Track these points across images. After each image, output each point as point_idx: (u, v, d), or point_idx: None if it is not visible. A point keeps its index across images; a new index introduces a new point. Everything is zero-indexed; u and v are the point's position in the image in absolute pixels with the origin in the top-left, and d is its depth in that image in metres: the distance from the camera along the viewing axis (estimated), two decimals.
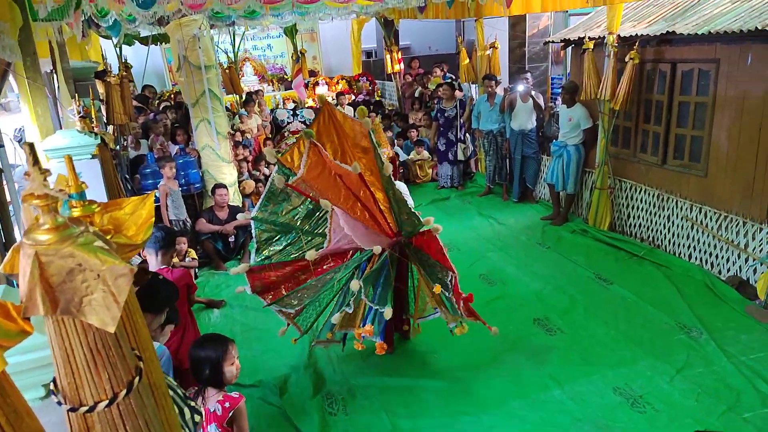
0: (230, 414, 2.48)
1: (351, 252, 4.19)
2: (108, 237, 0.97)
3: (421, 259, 4.07)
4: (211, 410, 2.50)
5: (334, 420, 3.86)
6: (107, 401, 0.89)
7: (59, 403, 0.90)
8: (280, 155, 3.77)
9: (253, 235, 4.23)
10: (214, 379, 2.53)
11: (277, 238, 4.24)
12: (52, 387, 0.91)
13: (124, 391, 0.90)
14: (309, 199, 4.01)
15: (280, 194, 4.01)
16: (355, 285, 3.58)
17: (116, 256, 0.83)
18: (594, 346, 4.43)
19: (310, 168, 3.49)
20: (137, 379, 0.93)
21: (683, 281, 5.36)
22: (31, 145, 0.79)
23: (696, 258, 5.62)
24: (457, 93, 8.65)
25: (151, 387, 1.08)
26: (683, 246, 5.76)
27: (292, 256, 4.24)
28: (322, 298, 4.29)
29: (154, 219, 1.02)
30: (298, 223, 4.18)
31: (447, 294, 3.83)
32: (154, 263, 3.60)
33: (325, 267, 4.27)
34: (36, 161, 0.79)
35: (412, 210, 3.95)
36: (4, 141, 2.62)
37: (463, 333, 4.05)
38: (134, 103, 9.48)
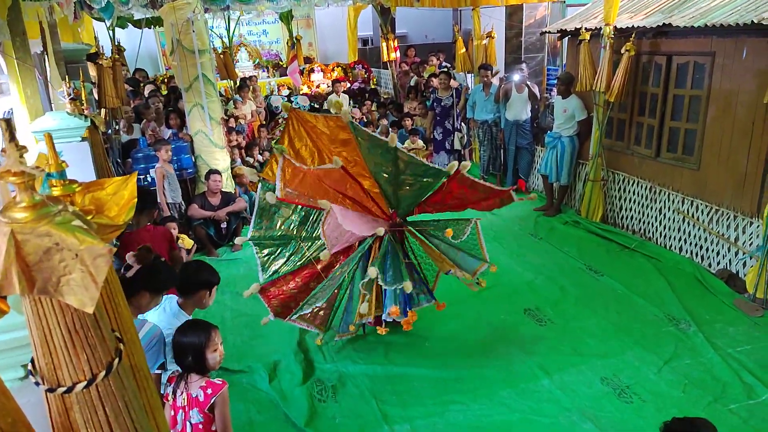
0: (212, 400, 2.47)
1: (356, 245, 4.23)
2: (89, 217, 0.96)
3: (425, 230, 4.22)
4: (194, 395, 2.48)
5: (323, 407, 3.87)
6: (85, 382, 0.88)
7: (37, 384, 0.89)
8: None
9: (255, 254, 4.29)
10: (197, 365, 2.51)
11: (278, 251, 4.30)
12: (30, 367, 0.90)
13: (103, 373, 0.89)
14: (300, 206, 4.08)
15: (270, 208, 4.11)
16: (372, 272, 3.67)
17: (95, 235, 0.81)
18: (583, 337, 4.45)
19: (290, 178, 3.52)
20: (117, 360, 0.92)
21: (673, 274, 5.38)
22: (8, 121, 0.78)
23: (687, 251, 5.64)
24: (452, 82, 8.61)
25: (132, 369, 1.07)
26: (674, 239, 5.78)
27: (298, 264, 4.31)
28: (337, 294, 4.40)
29: (136, 200, 1.01)
30: (295, 232, 4.28)
31: (461, 239, 4.10)
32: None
33: (334, 265, 4.33)
34: (12, 137, 0.77)
35: (427, 169, 3.93)
36: None
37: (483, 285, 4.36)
38: (127, 87, 9.40)
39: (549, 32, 7.66)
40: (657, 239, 6.01)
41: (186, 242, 5.87)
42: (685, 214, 5.59)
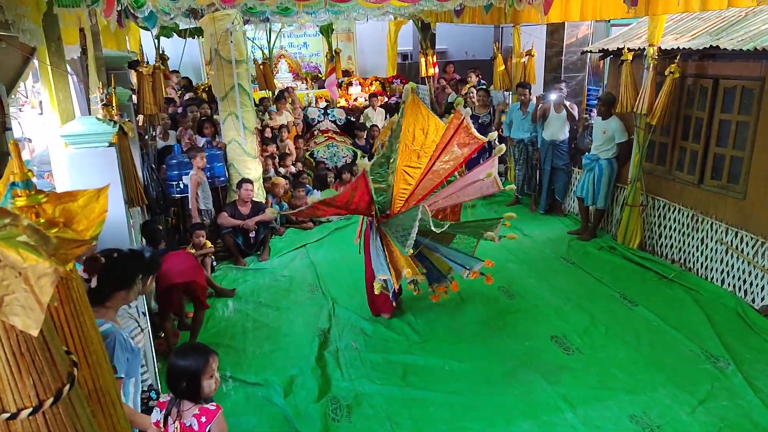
0: (207, 428, 2.34)
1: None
2: (53, 230, 0.90)
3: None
4: (187, 425, 2.35)
5: (336, 426, 3.78)
6: (31, 409, 0.82)
7: None
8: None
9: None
10: (191, 392, 2.38)
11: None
12: None
13: (51, 399, 0.83)
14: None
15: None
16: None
17: (41, 253, 0.75)
18: (612, 369, 4.24)
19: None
20: (68, 386, 0.85)
21: (713, 307, 5.11)
22: None
23: (729, 284, 5.35)
24: (475, 100, 8.54)
25: (97, 393, 1.00)
26: (716, 270, 5.50)
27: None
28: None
29: (106, 215, 0.95)
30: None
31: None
32: None
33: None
34: None
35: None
36: (12, 124, 2.63)
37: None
38: (172, 93, 9.62)
39: (591, 51, 7.48)
40: (697, 270, 5.73)
41: (206, 244, 5.91)
42: (729, 245, 5.31)
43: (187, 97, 9.38)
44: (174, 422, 2.35)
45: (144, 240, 4.29)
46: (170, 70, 10.73)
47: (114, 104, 3.78)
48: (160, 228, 5.13)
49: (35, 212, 0.92)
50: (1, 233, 0.74)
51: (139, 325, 2.90)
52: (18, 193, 0.90)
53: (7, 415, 0.82)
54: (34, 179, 0.92)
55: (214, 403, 2.44)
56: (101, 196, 0.96)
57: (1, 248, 0.72)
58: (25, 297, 0.74)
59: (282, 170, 8.18)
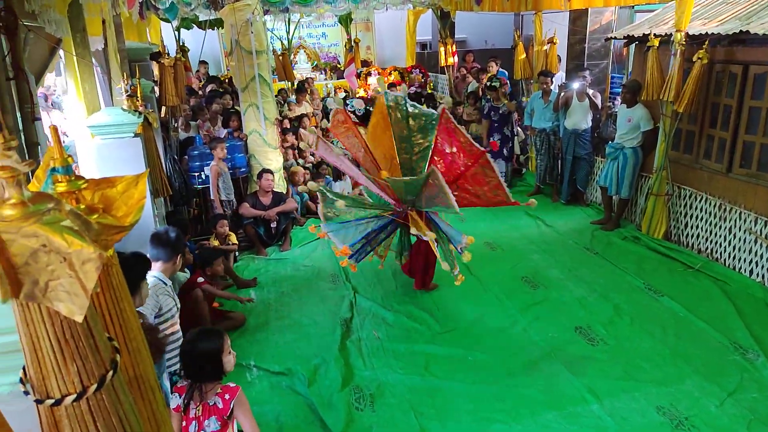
0: (231, 405, 2.40)
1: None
2: (94, 216, 0.90)
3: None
4: (211, 404, 2.41)
5: (360, 415, 3.78)
6: (75, 395, 0.82)
7: (26, 393, 0.84)
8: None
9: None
10: (215, 372, 2.44)
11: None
12: (21, 375, 0.85)
13: (94, 386, 0.83)
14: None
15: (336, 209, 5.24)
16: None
17: (85, 238, 0.75)
18: (638, 361, 4.18)
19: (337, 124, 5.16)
20: (111, 373, 0.85)
21: (742, 298, 5.01)
22: None
23: (758, 274, 5.24)
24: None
25: (137, 380, 1.00)
26: (744, 261, 5.39)
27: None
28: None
29: (145, 201, 0.95)
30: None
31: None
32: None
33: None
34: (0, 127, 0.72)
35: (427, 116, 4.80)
36: (41, 114, 2.66)
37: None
38: (196, 83, 9.66)
39: (615, 38, 7.34)
40: (725, 260, 5.62)
41: (231, 238, 5.95)
42: (758, 234, 5.19)
43: (209, 88, 9.41)
44: (196, 405, 2.40)
45: (151, 250, 4.26)
46: (199, 60, 10.80)
47: (139, 95, 3.80)
48: (186, 218, 5.17)
49: (75, 198, 0.91)
50: (45, 218, 0.73)
51: (176, 304, 2.94)
52: (59, 178, 0.90)
53: (51, 401, 0.82)
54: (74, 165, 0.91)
55: (232, 382, 2.50)
56: (140, 182, 0.95)
57: (46, 233, 0.72)
58: (70, 282, 0.74)
59: (301, 161, 8.19)
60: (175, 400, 2.46)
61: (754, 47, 5.17)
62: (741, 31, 5.07)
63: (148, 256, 2.82)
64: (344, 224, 5.21)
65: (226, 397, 2.40)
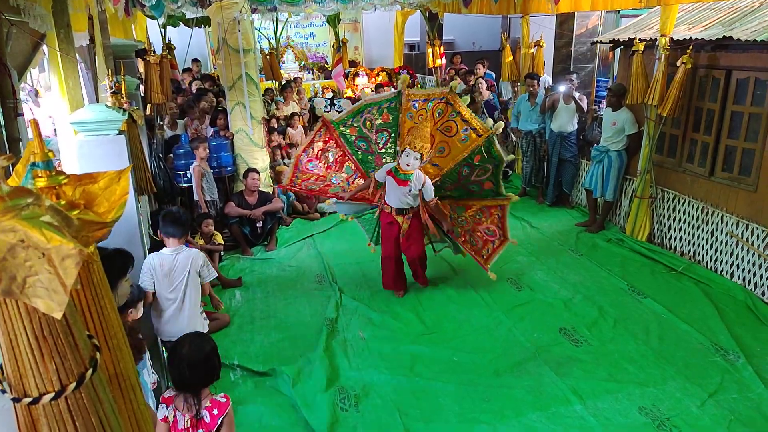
0: (219, 421, 2.31)
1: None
2: (75, 212, 0.88)
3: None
4: (197, 418, 2.32)
5: (344, 416, 3.77)
6: (53, 394, 0.81)
7: (2, 392, 0.82)
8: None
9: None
10: (210, 375, 2.38)
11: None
12: None
13: (73, 384, 0.82)
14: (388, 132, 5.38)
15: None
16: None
17: (65, 234, 0.73)
18: (621, 362, 4.22)
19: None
20: (90, 371, 0.84)
21: (723, 300, 5.08)
22: None
23: (738, 277, 5.32)
24: (485, 93, 8.51)
25: (117, 378, 0.99)
26: (726, 263, 5.46)
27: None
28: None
29: (127, 197, 0.93)
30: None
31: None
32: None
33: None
34: None
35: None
36: (24, 110, 2.61)
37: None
38: (184, 78, 9.56)
39: (601, 42, 7.41)
40: (707, 263, 5.69)
41: (218, 238, 5.91)
42: (739, 237, 5.27)
43: (194, 86, 9.33)
44: (184, 416, 2.33)
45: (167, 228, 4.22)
46: (192, 59, 10.72)
47: (123, 92, 3.75)
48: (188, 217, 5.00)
49: (56, 194, 0.90)
50: (24, 213, 0.72)
51: None
52: (39, 173, 0.88)
53: (29, 399, 0.81)
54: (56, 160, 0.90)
55: (223, 394, 2.42)
56: (122, 178, 0.94)
57: (24, 228, 0.71)
58: (49, 279, 0.72)
59: (288, 161, 8.15)
60: (162, 411, 2.39)
61: (737, 53, 5.24)
62: (724, 36, 5.14)
63: (157, 234, 2.88)
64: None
65: (215, 412, 2.31)
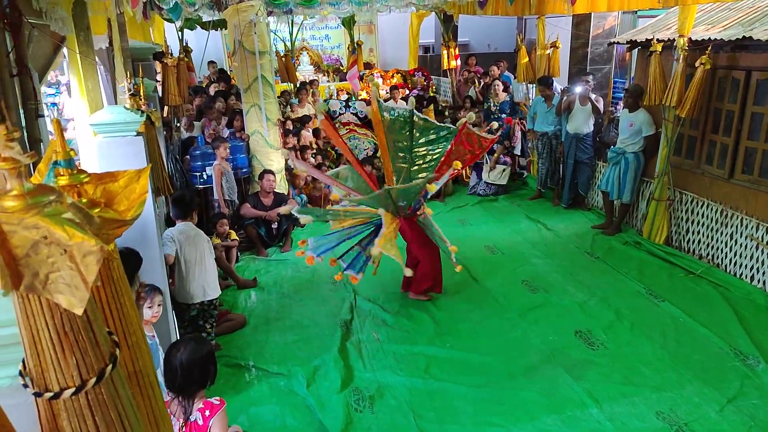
0: (210, 422, 2.31)
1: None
2: (95, 210, 0.90)
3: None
4: (192, 419, 2.32)
5: (359, 417, 3.77)
6: (74, 389, 0.82)
7: (25, 386, 0.84)
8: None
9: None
10: (205, 377, 2.38)
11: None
12: (21, 368, 0.85)
13: (93, 380, 0.83)
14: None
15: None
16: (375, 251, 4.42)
17: (87, 231, 0.75)
18: (638, 366, 4.17)
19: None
20: (110, 367, 0.85)
21: (742, 304, 5.00)
22: None
23: (759, 281, 5.23)
24: (501, 94, 8.47)
25: (136, 375, 1.00)
26: (746, 267, 5.38)
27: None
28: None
29: (147, 195, 0.94)
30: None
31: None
32: None
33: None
34: (3, 119, 0.72)
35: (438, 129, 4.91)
36: (45, 111, 2.66)
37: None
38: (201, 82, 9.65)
39: (618, 43, 7.35)
40: (726, 266, 5.61)
41: (232, 235, 5.97)
42: (759, 241, 5.19)
43: (212, 89, 9.43)
44: (179, 420, 2.33)
45: (173, 210, 4.56)
46: (208, 61, 10.82)
47: (141, 94, 3.80)
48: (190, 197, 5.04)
49: (77, 192, 0.91)
50: (46, 210, 0.73)
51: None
52: (61, 172, 0.90)
53: (50, 394, 0.82)
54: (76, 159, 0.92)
55: (218, 398, 2.42)
56: (142, 177, 0.95)
57: (47, 224, 0.72)
58: (71, 275, 0.73)
59: (291, 164, 8.18)
60: None
61: (757, 53, 5.17)
62: (744, 37, 5.07)
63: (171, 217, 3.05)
64: (326, 236, 5.18)
65: (206, 413, 2.30)
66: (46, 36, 2.87)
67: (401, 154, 4.93)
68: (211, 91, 9.45)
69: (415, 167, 4.93)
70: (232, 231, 5.97)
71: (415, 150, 4.90)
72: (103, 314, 0.92)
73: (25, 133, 2.38)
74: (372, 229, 5.15)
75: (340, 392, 3.98)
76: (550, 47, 8.20)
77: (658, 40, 5.99)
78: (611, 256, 6.15)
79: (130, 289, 0.98)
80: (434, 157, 4.91)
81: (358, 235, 5.17)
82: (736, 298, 5.12)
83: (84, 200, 0.91)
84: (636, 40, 6.69)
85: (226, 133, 7.61)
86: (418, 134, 4.87)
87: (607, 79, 8.95)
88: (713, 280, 5.45)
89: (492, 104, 8.64)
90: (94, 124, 3.30)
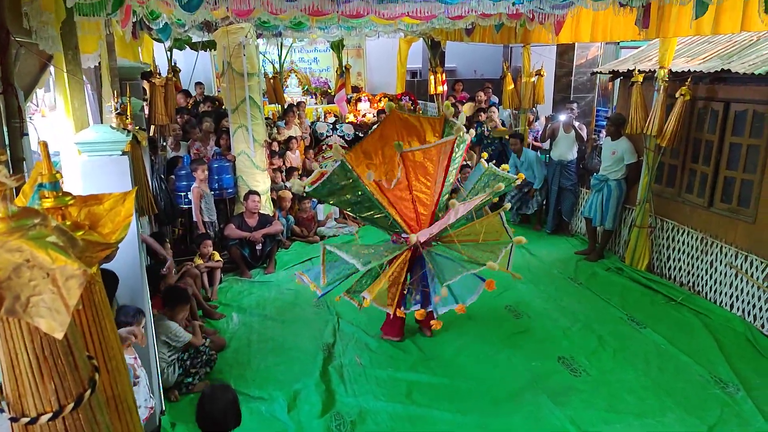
0: None
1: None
2: (79, 233, 0.90)
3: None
4: None
5: None
6: (51, 414, 0.81)
7: (0, 411, 0.82)
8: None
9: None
10: (239, 420, 2.58)
11: None
12: None
13: (71, 405, 0.82)
14: (360, 190, 4.44)
15: (336, 184, 4.43)
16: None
17: (70, 254, 0.74)
18: (620, 392, 4.18)
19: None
20: (89, 392, 0.84)
21: (722, 332, 5.05)
22: None
23: (738, 308, 5.30)
24: (497, 120, 8.57)
25: (115, 400, 0.99)
26: (725, 294, 5.45)
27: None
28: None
29: (131, 219, 0.94)
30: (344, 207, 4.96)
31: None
32: None
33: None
34: None
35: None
36: (29, 129, 2.64)
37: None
38: (184, 100, 9.65)
39: (600, 72, 7.51)
40: (706, 294, 5.67)
41: (215, 256, 5.92)
42: (739, 269, 5.27)
43: (201, 108, 9.44)
44: None
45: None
46: (195, 82, 10.85)
47: (128, 113, 3.79)
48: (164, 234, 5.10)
49: (62, 214, 0.91)
50: (30, 233, 0.73)
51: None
52: (45, 194, 0.89)
53: (27, 419, 0.81)
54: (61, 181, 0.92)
55: None
56: (127, 200, 0.95)
57: (30, 248, 0.72)
58: (52, 299, 0.73)
59: (288, 184, 8.19)
60: None
61: (735, 85, 5.31)
62: (722, 69, 5.21)
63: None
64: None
65: None
66: (32, 54, 2.87)
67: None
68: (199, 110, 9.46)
69: (445, 193, 4.78)
70: (215, 252, 5.93)
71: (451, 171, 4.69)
72: (83, 338, 0.91)
73: (9, 152, 2.37)
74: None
75: (321, 417, 3.94)
76: (535, 75, 8.35)
77: (639, 70, 6.14)
78: (594, 282, 6.19)
79: (111, 312, 0.98)
80: (454, 168, 4.73)
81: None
82: (716, 325, 5.17)
83: (68, 222, 0.91)
84: (618, 71, 6.84)
85: (212, 151, 7.60)
86: (456, 149, 4.58)
87: (591, 108, 9.13)
88: (694, 307, 5.51)
89: (486, 129, 8.73)
90: (79, 142, 3.28)
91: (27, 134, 2.51)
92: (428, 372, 4.51)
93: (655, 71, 5.91)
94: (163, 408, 3.92)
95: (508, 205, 5.11)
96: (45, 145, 0.91)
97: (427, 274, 4.41)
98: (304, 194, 4.66)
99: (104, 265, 2.85)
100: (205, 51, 10.77)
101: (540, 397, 4.12)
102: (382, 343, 4.91)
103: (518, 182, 4.92)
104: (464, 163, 8.90)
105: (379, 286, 4.25)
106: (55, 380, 0.80)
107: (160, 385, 3.84)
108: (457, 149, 4.57)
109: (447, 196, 4.89)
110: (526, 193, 7.87)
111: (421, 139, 4.47)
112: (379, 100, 12.12)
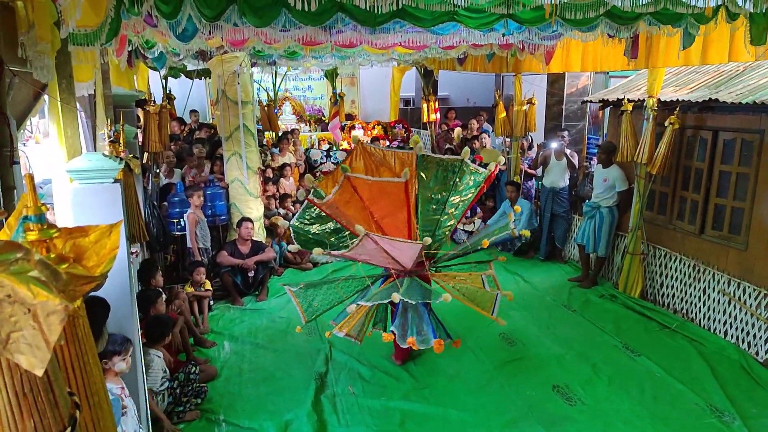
0: None
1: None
2: (63, 266, 0.89)
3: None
4: None
5: None
6: None
7: None
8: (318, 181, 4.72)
9: (293, 239, 4.92)
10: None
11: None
12: None
13: None
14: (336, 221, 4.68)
15: (315, 212, 4.77)
16: (396, 297, 4.05)
17: (52, 290, 0.73)
18: (616, 421, 4.14)
19: (340, 196, 4.49)
20: (69, 430, 0.82)
21: (717, 359, 5.03)
22: None
23: (732, 336, 5.29)
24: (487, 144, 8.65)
25: None
26: (719, 322, 5.44)
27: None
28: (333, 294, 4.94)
29: (117, 251, 0.94)
30: (327, 237, 4.82)
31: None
32: None
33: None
34: None
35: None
36: (21, 158, 2.64)
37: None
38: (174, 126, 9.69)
39: (591, 101, 7.61)
40: (700, 321, 5.67)
41: (206, 285, 5.88)
42: (731, 296, 5.27)
43: (196, 135, 9.47)
44: None
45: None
46: (190, 110, 10.92)
47: (121, 141, 3.80)
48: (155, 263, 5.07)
49: (46, 247, 0.90)
50: (12, 268, 0.72)
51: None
52: (30, 227, 0.89)
53: None
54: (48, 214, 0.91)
55: None
56: (113, 232, 0.94)
57: (12, 283, 0.71)
58: (33, 335, 0.72)
59: (282, 211, 8.19)
60: None
61: (723, 114, 5.39)
62: (710, 98, 5.29)
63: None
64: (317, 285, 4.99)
65: None
66: (26, 83, 2.88)
67: (434, 207, 4.74)
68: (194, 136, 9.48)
69: (445, 216, 4.78)
70: (207, 281, 5.88)
71: (451, 199, 4.74)
72: (65, 373, 0.90)
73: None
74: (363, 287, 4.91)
75: None
76: (527, 103, 8.45)
77: (628, 99, 6.23)
78: (588, 310, 6.17)
79: (94, 346, 0.96)
80: (464, 201, 4.78)
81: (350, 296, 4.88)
82: (711, 353, 5.15)
83: (52, 255, 0.90)
84: (608, 99, 6.94)
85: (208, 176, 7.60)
86: (460, 183, 4.69)
87: (582, 135, 9.22)
88: (688, 334, 5.49)
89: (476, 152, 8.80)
90: (70, 170, 3.27)
91: (18, 163, 2.50)
92: (422, 401, 4.45)
93: (644, 100, 6.00)
94: None
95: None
96: (31, 177, 0.91)
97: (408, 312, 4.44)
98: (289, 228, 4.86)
99: (95, 293, 2.82)
100: (200, 79, 10.87)
101: (535, 428, 4.07)
102: (375, 372, 4.86)
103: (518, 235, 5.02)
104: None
105: (355, 321, 4.40)
106: (35, 417, 0.78)
107: (149, 414, 3.77)
108: (466, 181, 4.72)
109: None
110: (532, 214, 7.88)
111: (392, 171, 4.63)
112: (373, 128, 12.22)
